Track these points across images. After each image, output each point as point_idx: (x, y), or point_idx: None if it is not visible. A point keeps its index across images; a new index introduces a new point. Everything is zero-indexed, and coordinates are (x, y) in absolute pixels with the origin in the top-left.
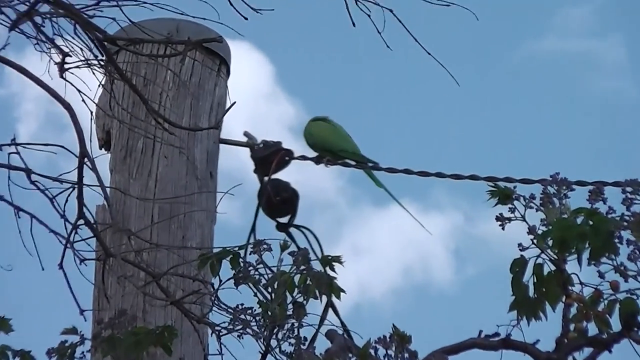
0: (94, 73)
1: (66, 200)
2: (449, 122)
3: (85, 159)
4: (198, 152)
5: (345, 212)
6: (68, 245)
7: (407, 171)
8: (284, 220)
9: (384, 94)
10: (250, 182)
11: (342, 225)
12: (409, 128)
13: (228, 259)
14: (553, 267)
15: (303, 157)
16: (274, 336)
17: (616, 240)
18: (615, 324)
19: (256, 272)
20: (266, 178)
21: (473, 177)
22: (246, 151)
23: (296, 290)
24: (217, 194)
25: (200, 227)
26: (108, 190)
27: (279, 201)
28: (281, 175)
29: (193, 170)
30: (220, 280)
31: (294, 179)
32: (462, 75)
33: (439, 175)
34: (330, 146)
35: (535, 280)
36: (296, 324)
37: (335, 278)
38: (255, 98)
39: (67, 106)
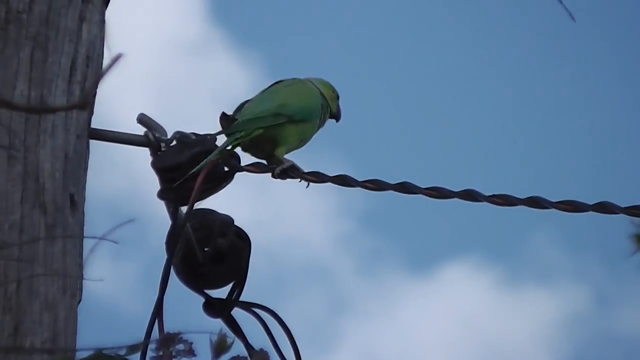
0: None
1: None
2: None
3: None
4: (45, 156)
5: (352, 281)
6: None
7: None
8: (219, 292)
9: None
10: (151, 217)
11: (343, 308)
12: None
13: None
14: None
15: (255, 168)
16: None
17: None
18: None
19: None
20: (184, 209)
21: (578, 208)
22: (144, 155)
23: None
24: (86, 240)
25: (50, 307)
26: None
27: (209, 256)
28: (216, 201)
29: (35, 191)
30: None
31: (243, 212)
32: None
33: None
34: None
35: None
36: None
37: None
38: (165, 47)
39: None
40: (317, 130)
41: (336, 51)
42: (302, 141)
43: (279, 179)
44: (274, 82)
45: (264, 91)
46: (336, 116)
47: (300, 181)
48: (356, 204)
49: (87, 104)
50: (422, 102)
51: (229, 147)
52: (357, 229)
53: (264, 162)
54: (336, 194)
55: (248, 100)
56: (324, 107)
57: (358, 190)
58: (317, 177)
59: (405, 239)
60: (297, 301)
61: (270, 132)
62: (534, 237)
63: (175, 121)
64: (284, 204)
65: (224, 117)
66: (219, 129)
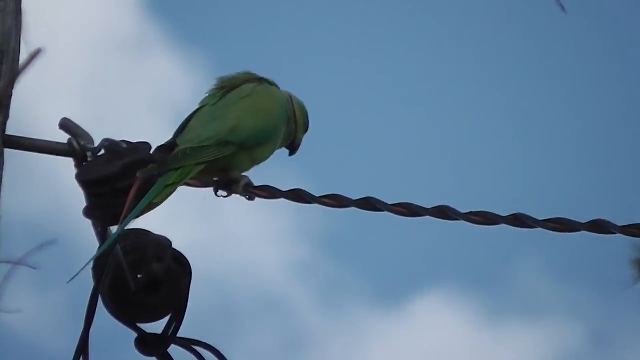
0: None
1: None
2: None
3: None
4: None
5: (310, 315)
6: None
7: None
8: (154, 326)
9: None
10: (76, 239)
11: (300, 346)
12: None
13: None
14: None
15: (197, 182)
16: None
17: None
18: None
19: None
20: (113, 229)
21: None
22: (68, 166)
23: None
24: (0, 265)
25: None
26: None
27: (142, 284)
28: (151, 221)
29: None
30: None
31: (183, 234)
32: None
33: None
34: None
35: None
36: None
37: None
38: (95, 43)
39: None
40: (278, 148)
41: (293, 51)
42: (255, 164)
43: (240, 197)
44: (232, 75)
45: (214, 101)
46: (294, 148)
47: (247, 197)
48: (314, 226)
49: (1, 106)
50: (391, 107)
51: (167, 186)
52: (316, 254)
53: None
54: (291, 214)
55: (196, 112)
56: (289, 121)
57: (316, 208)
58: (268, 192)
59: (371, 266)
60: (246, 338)
61: (216, 161)
62: (518, 263)
63: (106, 129)
64: (231, 224)
65: (159, 149)
66: (156, 139)
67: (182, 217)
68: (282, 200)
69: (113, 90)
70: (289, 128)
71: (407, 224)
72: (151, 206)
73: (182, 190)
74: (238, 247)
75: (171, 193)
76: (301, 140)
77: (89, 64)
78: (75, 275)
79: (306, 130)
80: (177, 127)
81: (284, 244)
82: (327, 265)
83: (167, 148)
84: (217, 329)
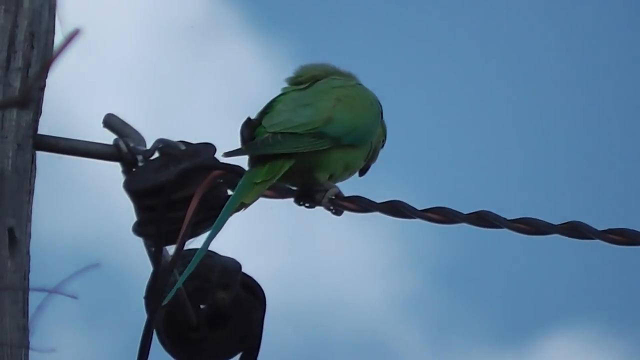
0: None
1: None
2: None
3: None
4: None
5: (418, 358)
6: None
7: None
8: None
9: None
10: (125, 262)
11: None
12: None
13: None
14: None
15: (273, 193)
16: None
17: None
18: None
19: None
20: (170, 249)
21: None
22: (114, 172)
23: None
24: (32, 294)
25: None
26: None
27: (206, 317)
28: (216, 240)
29: None
30: None
31: (256, 257)
32: None
33: None
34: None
35: None
36: None
37: None
38: (154, 26)
39: None
40: (367, 160)
41: (383, 43)
42: (346, 171)
43: (325, 209)
44: (312, 65)
45: (303, 85)
46: (366, 168)
47: (333, 211)
48: (423, 253)
49: (30, 100)
50: (501, 112)
51: (256, 184)
52: (425, 286)
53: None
54: (395, 239)
55: (281, 96)
56: (381, 130)
57: (426, 231)
58: (359, 205)
59: (490, 300)
60: None
61: (306, 158)
62: None
63: (161, 128)
64: (322, 249)
65: (246, 124)
66: (221, 140)
67: (258, 240)
68: (385, 221)
69: (171, 83)
70: (379, 135)
71: (534, 245)
72: (239, 208)
73: (255, 204)
74: (330, 277)
75: (261, 193)
76: (377, 156)
77: (142, 49)
78: (169, 298)
79: (383, 146)
80: (262, 108)
81: (388, 275)
82: (437, 300)
83: (251, 128)
84: None
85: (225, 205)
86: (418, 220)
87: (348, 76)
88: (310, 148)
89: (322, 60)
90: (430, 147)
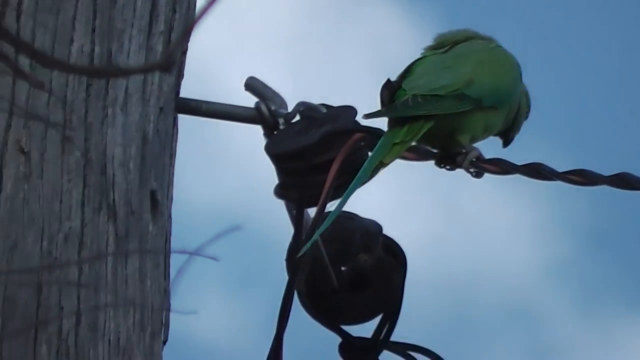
0: None
1: None
2: None
3: None
4: (115, 138)
5: (567, 325)
6: None
7: None
8: (361, 329)
9: None
10: (267, 225)
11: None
12: None
13: None
14: None
15: (415, 155)
16: None
17: None
18: None
19: None
20: (312, 212)
21: None
22: (256, 135)
23: None
24: (174, 257)
25: (123, 351)
26: None
27: (347, 280)
28: (357, 203)
29: (101, 188)
30: None
31: (398, 219)
32: None
33: None
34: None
35: None
36: None
37: None
38: None
39: None
40: (507, 122)
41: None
42: (486, 132)
43: (465, 172)
44: (456, 33)
45: (439, 45)
46: (510, 137)
47: (474, 173)
48: (574, 217)
49: (172, 64)
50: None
51: (395, 144)
52: (574, 251)
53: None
54: (546, 204)
55: (420, 59)
56: (522, 95)
57: (580, 194)
58: (499, 167)
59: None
60: (485, 354)
61: (446, 121)
62: None
63: (304, 91)
64: (465, 212)
65: (385, 86)
66: (364, 104)
67: (401, 203)
68: (529, 185)
69: (314, 46)
70: (521, 100)
71: None
72: (378, 168)
73: (397, 165)
74: (477, 241)
75: (400, 153)
76: (520, 127)
77: (285, 12)
78: (306, 248)
79: (527, 117)
80: (402, 71)
81: (536, 239)
82: (588, 265)
83: (390, 90)
84: (450, 342)
85: (364, 164)
86: (562, 184)
87: (489, 40)
88: (452, 110)
89: (466, 26)
90: (573, 108)
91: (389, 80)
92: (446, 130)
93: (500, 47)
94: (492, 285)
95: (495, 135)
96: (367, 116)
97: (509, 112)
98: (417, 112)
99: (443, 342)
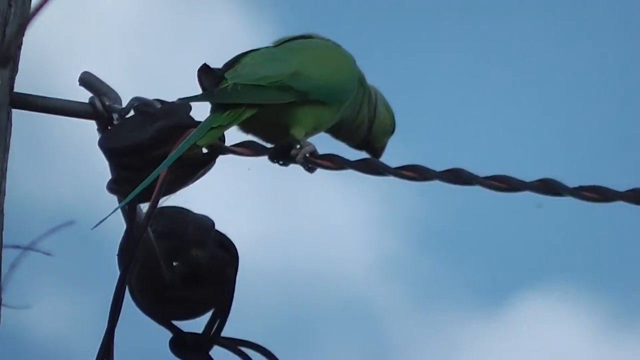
0: None
1: None
2: None
3: None
4: None
5: (401, 320)
6: None
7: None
8: (192, 324)
9: None
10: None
11: (389, 357)
12: None
13: None
14: None
15: (247, 150)
16: None
17: None
18: None
19: None
20: (144, 207)
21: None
22: (89, 130)
23: None
24: (5, 251)
25: None
26: None
27: (180, 274)
28: (190, 197)
29: None
30: None
31: (231, 214)
32: None
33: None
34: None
35: None
36: None
37: None
38: None
39: None
40: (338, 121)
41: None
42: (316, 128)
43: (300, 166)
44: (297, 35)
45: (277, 44)
46: (377, 154)
47: (308, 168)
48: (406, 213)
49: (8, 58)
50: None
51: (210, 130)
52: (406, 248)
53: (263, 142)
54: (376, 201)
55: (250, 52)
56: (359, 94)
57: (408, 191)
58: (334, 162)
59: (471, 260)
60: (320, 350)
61: (272, 112)
62: None
63: (139, 87)
64: (304, 210)
65: (205, 72)
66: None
67: (238, 201)
68: (366, 182)
69: (152, 44)
70: (359, 98)
71: (506, 202)
72: (191, 150)
73: (228, 160)
74: (312, 238)
75: (216, 137)
76: (385, 143)
77: (124, 6)
78: (99, 223)
79: (392, 133)
80: (228, 60)
81: (370, 236)
82: (419, 261)
83: (214, 78)
84: (285, 339)
85: (178, 148)
86: (397, 180)
87: (328, 41)
88: (273, 101)
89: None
90: (411, 104)
91: (205, 64)
92: (273, 121)
93: (339, 46)
94: (328, 282)
95: (342, 139)
96: (182, 100)
97: (340, 108)
98: (234, 100)
99: (278, 339)
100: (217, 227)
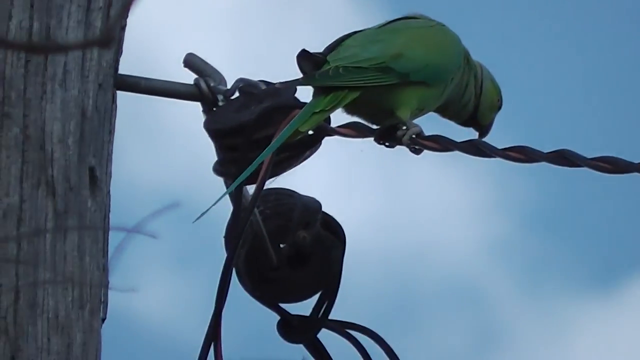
0: None
1: None
2: None
3: None
4: (54, 114)
5: (509, 303)
6: None
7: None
8: (300, 307)
9: None
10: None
11: (495, 339)
12: None
13: None
14: None
15: (353, 131)
16: None
17: None
18: None
19: None
20: (251, 189)
21: None
22: (195, 112)
23: None
24: (112, 233)
25: (62, 328)
26: None
27: (286, 256)
28: (297, 179)
29: (39, 163)
30: None
31: (338, 197)
32: None
33: None
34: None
35: None
36: None
37: None
38: None
39: None
40: (444, 101)
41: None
42: (421, 109)
43: (406, 148)
44: (403, 16)
45: (381, 26)
46: (484, 128)
47: (414, 150)
48: (515, 196)
49: (111, 39)
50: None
51: (312, 115)
52: (515, 229)
53: (369, 124)
54: (485, 183)
55: (352, 34)
56: (465, 73)
57: (518, 173)
58: (439, 144)
59: (582, 241)
60: (428, 333)
61: (375, 94)
62: None
63: (247, 69)
64: (411, 192)
65: (304, 58)
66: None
67: (346, 183)
68: (473, 163)
69: (255, 25)
70: (464, 77)
71: (618, 185)
72: (294, 135)
73: (335, 142)
74: (419, 221)
75: (319, 121)
76: (493, 119)
77: None
78: (203, 214)
79: (499, 109)
80: (330, 44)
81: (478, 218)
82: (529, 244)
83: (314, 62)
84: (393, 322)
85: (281, 133)
86: (502, 161)
87: (433, 21)
88: (375, 82)
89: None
90: (515, 86)
91: (304, 50)
92: (377, 104)
93: (444, 26)
94: (435, 264)
95: (448, 117)
96: (282, 84)
97: (444, 89)
98: (335, 82)
99: (386, 322)
100: (324, 209)
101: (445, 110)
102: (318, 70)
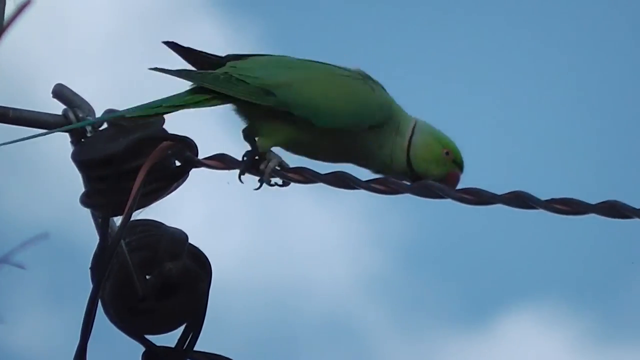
0: None
1: None
2: None
3: None
4: None
5: (383, 338)
6: None
7: None
8: (166, 338)
9: None
10: (74, 233)
11: None
12: None
13: None
14: None
15: (219, 163)
16: None
17: None
18: None
19: None
20: (117, 220)
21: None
22: (63, 142)
23: None
24: None
25: None
26: None
27: (152, 288)
28: (164, 210)
29: None
30: None
31: (204, 228)
32: None
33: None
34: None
35: None
36: None
37: None
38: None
39: None
40: (355, 151)
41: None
42: (296, 147)
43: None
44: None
45: (313, 62)
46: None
47: (280, 183)
48: (390, 232)
49: None
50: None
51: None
52: (390, 266)
53: (232, 155)
54: (360, 217)
55: (275, 55)
56: (385, 127)
57: (391, 209)
58: (303, 176)
59: (454, 277)
60: None
61: (248, 110)
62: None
63: (114, 100)
64: (283, 222)
65: (193, 53)
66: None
67: (217, 214)
68: (345, 197)
69: (127, 55)
70: (383, 143)
71: (484, 218)
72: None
73: (202, 173)
74: (298, 254)
75: (151, 113)
76: (443, 172)
77: (100, 23)
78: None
79: (454, 162)
80: (230, 54)
81: (354, 254)
82: (402, 279)
83: (212, 63)
84: (267, 355)
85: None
86: (390, 206)
87: (368, 78)
88: (247, 97)
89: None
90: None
91: (189, 48)
92: (248, 121)
93: (370, 80)
94: (313, 298)
95: (375, 170)
96: (154, 69)
97: (337, 138)
98: (211, 86)
99: (259, 354)
100: (196, 241)
101: (365, 161)
102: (211, 70)
